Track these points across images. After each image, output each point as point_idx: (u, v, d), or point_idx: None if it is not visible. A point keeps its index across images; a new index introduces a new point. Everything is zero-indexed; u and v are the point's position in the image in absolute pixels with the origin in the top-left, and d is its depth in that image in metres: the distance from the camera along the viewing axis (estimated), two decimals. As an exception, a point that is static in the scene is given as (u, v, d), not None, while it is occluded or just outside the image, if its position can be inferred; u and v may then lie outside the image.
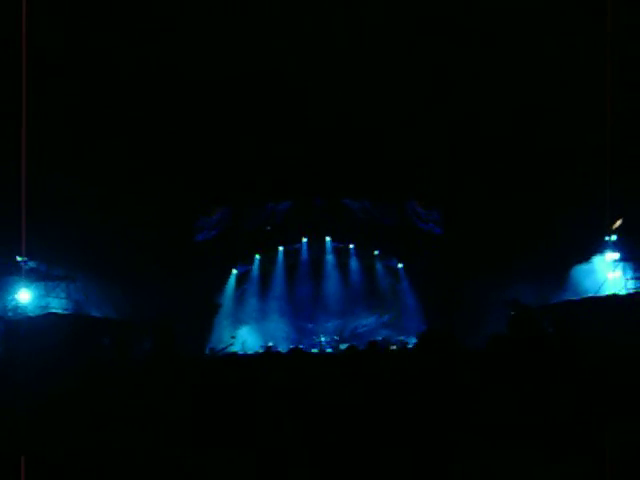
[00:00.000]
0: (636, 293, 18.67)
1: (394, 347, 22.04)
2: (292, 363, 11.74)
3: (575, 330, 15.93)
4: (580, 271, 20.64)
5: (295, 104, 20.72)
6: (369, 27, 18.63)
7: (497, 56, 19.03)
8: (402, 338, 23.52)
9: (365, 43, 19.06)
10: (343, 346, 22.58)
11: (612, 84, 15.88)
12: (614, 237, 20.10)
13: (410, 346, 22.52)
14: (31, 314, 18.48)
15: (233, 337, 22.67)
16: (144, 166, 21.74)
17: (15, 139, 14.20)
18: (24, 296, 19.14)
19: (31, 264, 19.60)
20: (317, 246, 26.32)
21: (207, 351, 21.84)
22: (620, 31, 15.50)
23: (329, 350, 23.20)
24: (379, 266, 26.25)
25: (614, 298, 18.02)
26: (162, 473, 7.04)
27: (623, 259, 19.99)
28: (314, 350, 23.05)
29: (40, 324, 16.72)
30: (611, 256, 20.16)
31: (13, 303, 18.96)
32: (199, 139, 21.90)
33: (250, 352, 21.41)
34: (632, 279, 19.65)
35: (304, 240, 26.24)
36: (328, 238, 26.15)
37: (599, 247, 20.35)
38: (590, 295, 19.37)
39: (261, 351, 21.38)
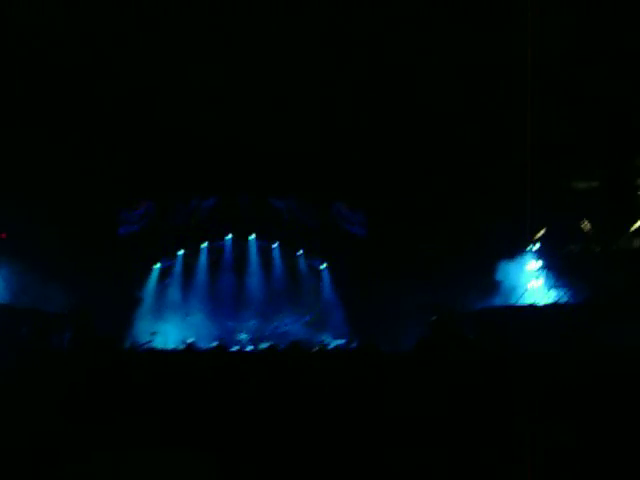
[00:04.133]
0: (553, 304, 19.08)
1: (316, 348, 22.08)
2: (213, 361, 11.69)
3: (494, 337, 16.24)
4: (504, 277, 20.94)
5: (222, 99, 20.64)
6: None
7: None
8: (323, 339, 23.57)
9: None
10: (264, 345, 22.56)
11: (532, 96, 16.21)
12: (537, 245, 20.49)
13: (331, 347, 22.61)
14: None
15: (153, 333, 22.42)
16: (68, 155, 21.38)
17: None
18: None
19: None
20: (241, 244, 26.18)
21: (127, 345, 21.57)
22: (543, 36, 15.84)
23: (250, 348, 23.11)
24: (302, 266, 26.27)
25: (533, 308, 18.41)
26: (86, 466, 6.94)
27: (545, 267, 20.38)
28: (234, 348, 22.92)
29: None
30: (533, 265, 20.54)
31: None
32: (126, 130, 21.64)
33: (170, 348, 21.24)
34: (553, 288, 20.05)
35: (228, 237, 26.08)
36: (252, 236, 26.04)
37: (523, 255, 20.71)
38: (511, 304, 19.71)
39: (181, 347, 21.22)
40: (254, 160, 23.04)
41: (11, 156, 19.97)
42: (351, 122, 21.39)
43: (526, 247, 20.83)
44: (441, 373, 9.35)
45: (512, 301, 20.20)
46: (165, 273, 26.01)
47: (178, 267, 26.07)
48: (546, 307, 18.86)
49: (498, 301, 20.30)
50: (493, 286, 20.92)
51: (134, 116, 21.20)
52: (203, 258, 26.19)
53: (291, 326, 25.20)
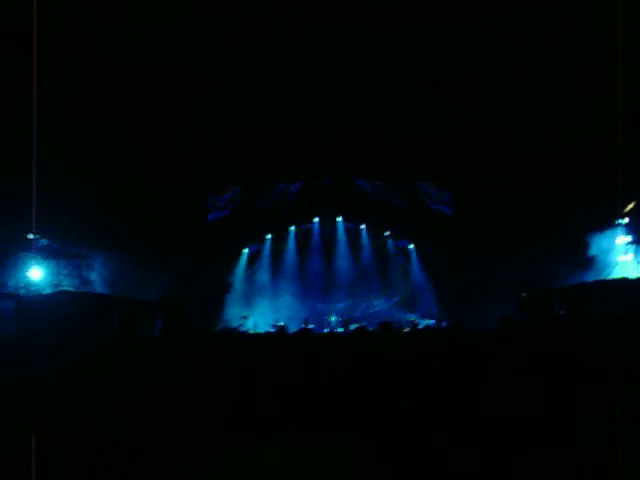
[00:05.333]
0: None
1: (407, 329, 22.00)
2: (303, 344, 11.75)
3: (585, 313, 15.91)
4: (594, 251, 20.53)
5: (306, 84, 20.66)
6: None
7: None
8: (413, 319, 23.48)
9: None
10: (354, 326, 22.58)
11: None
12: (626, 220, 20.00)
13: (421, 327, 22.50)
14: (43, 292, 18.53)
15: (244, 317, 22.65)
16: (157, 145, 21.75)
17: (27, 116, 14.19)
18: (36, 274, 19.19)
19: (43, 242, 19.65)
20: (329, 226, 26.28)
21: (219, 330, 21.85)
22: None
23: (340, 330, 23.18)
24: (390, 247, 26.23)
25: (625, 282, 17.94)
26: (175, 449, 7.06)
27: (635, 242, 19.89)
28: (325, 330, 23.04)
29: (52, 302, 16.73)
30: (623, 239, 20.06)
31: (25, 281, 19.01)
32: (211, 118, 21.86)
33: (261, 331, 21.42)
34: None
35: (315, 220, 26.21)
36: (340, 218, 26.10)
37: (612, 229, 20.26)
38: (601, 278, 19.29)
39: (272, 330, 21.38)
40: (339, 142, 23.03)
41: (104, 148, 20.40)
42: (433, 101, 21.19)
43: (615, 221, 20.33)
44: (529, 351, 9.24)
45: (602, 276, 19.78)
46: (254, 257, 26.28)
47: (267, 251, 26.33)
48: (637, 281, 18.38)
49: (588, 276, 19.90)
50: (582, 261, 20.52)
51: (219, 103, 21.39)
52: (291, 241, 26.40)
53: (380, 307, 25.18)
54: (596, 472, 6.40)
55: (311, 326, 22.68)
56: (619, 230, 20.26)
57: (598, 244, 20.46)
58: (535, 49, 18.99)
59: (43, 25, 13.41)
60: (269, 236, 26.31)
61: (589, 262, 20.49)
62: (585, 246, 20.54)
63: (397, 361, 9.40)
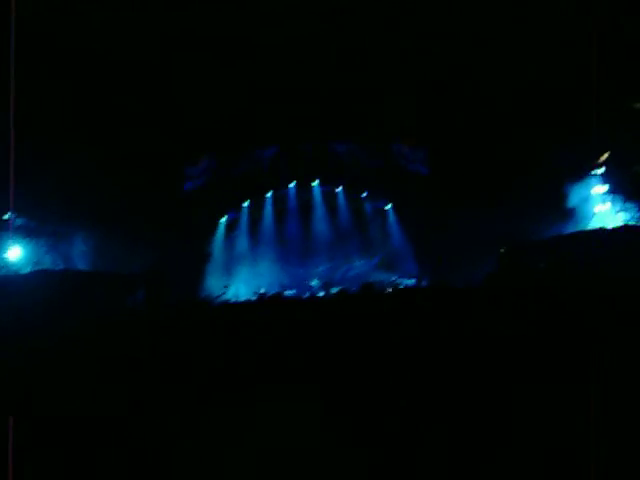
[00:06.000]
0: (623, 227, 18.72)
1: (389, 290, 22.06)
2: (287, 309, 11.78)
3: (564, 265, 16.01)
4: (571, 202, 20.64)
5: (273, 50, 20.54)
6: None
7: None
8: (394, 279, 23.55)
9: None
10: (335, 289, 22.65)
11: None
12: (602, 170, 20.11)
13: (402, 287, 22.58)
14: (22, 271, 18.47)
15: (225, 286, 22.65)
16: (128, 118, 21.58)
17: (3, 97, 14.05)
18: (14, 253, 19.12)
19: (19, 221, 19.55)
20: (305, 190, 26.25)
21: (200, 300, 21.85)
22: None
23: (322, 293, 23.21)
24: (368, 208, 26.22)
25: (602, 232, 18.07)
26: (163, 425, 7.07)
27: (612, 191, 20.02)
28: (306, 294, 23.06)
29: (31, 281, 16.69)
30: (599, 189, 20.18)
31: (4, 261, 18.94)
32: (183, 85, 21.71)
33: (242, 299, 21.45)
34: (622, 211, 19.69)
35: (292, 185, 26.14)
36: (316, 182, 26.05)
37: (588, 179, 20.37)
38: (579, 229, 19.42)
39: (254, 298, 21.40)
40: (312, 105, 22.92)
41: (78, 122, 20.25)
42: (403, 60, 21.13)
43: (591, 171, 20.45)
44: (511, 307, 9.29)
45: (581, 227, 19.92)
46: (232, 225, 26.22)
47: (244, 218, 26.27)
48: (616, 230, 18.51)
49: (568, 228, 20.02)
50: (562, 213, 20.63)
51: (188, 71, 21.23)
52: (268, 208, 26.34)
53: (361, 269, 25.24)
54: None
55: (291, 291, 22.74)
56: (595, 180, 20.39)
57: (576, 195, 20.58)
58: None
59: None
60: (246, 203, 26.20)
61: (568, 213, 20.61)
62: (564, 197, 20.64)
63: (378, 320, 9.43)
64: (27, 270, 18.74)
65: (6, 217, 18.97)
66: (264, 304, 14.20)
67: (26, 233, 19.77)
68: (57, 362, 8.41)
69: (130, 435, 6.99)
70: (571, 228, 19.94)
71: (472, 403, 7.11)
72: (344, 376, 7.82)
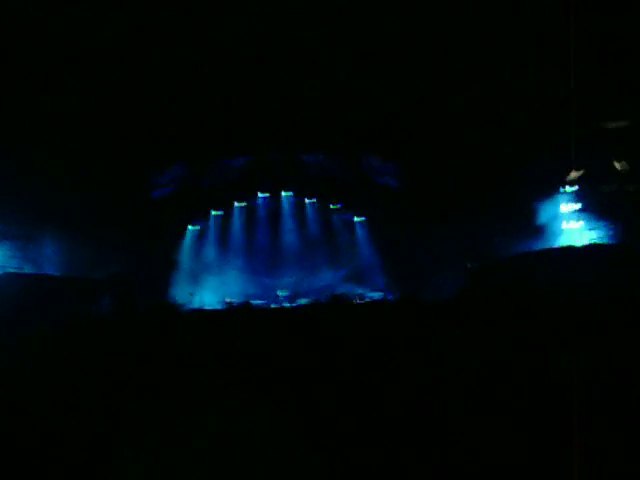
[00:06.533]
0: (592, 245, 18.90)
1: (356, 301, 22.11)
2: (254, 318, 11.79)
3: (530, 282, 16.13)
4: (539, 219, 20.80)
5: (246, 59, 20.57)
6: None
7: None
8: (360, 292, 23.62)
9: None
10: (302, 301, 22.69)
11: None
12: (572, 188, 20.29)
13: (368, 299, 22.67)
14: (-15, 274, 18.28)
15: (191, 294, 22.63)
16: (98, 123, 21.48)
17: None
18: (-22, 256, 18.94)
19: (-17, 224, 19.37)
20: (274, 201, 26.28)
21: (166, 308, 21.79)
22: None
23: (287, 305, 23.23)
24: (336, 220, 26.27)
25: (571, 250, 18.23)
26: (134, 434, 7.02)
27: (584, 209, 20.21)
28: (273, 305, 23.07)
29: (-2, 285, 16.54)
30: (569, 207, 20.36)
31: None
32: (152, 93, 21.64)
33: (208, 308, 21.42)
34: (592, 229, 19.88)
35: (260, 195, 26.14)
36: (285, 193, 26.08)
37: (557, 197, 20.55)
38: (547, 247, 19.58)
39: (219, 307, 21.38)
40: (282, 116, 22.96)
41: (47, 125, 20.13)
42: (374, 71, 21.23)
43: (560, 188, 20.62)
44: (479, 322, 9.37)
45: (549, 244, 20.09)
46: (200, 234, 26.15)
47: (212, 227, 26.23)
48: (584, 248, 18.67)
49: (536, 245, 20.16)
50: (531, 230, 20.78)
51: (158, 80, 21.18)
52: (237, 217, 26.30)
53: (328, 281, 25.26)
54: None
55: (258, 301, 22.75)
56: (563, 197, 20.56)
57: (546, 212, 20.73)
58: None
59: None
60: (215, 212, 26.16)
61: (537, 230, 20.76)
62: (533, 214, 20.79)
63: (344, 331, 9.47)
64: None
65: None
66: (231, 313, 14.21)
67: (-9, 236, 19.61)
68: (17, 367, 8.34)
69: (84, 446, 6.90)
70: (540, 245, 20.08)
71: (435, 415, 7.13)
72: (310, 385, 7.83)
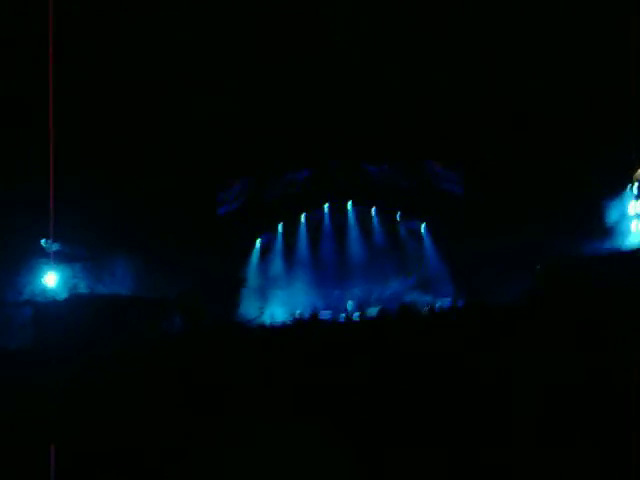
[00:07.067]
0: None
1: (425, 309, 21.91)
2: (324, 331, 11.76)
3: (601, 283, 15.79)
4: (612, 219, 20.38)
5: (309, 72, 20.62)
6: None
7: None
8: (429, 300, 23.41)
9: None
10: (371, 310, 22.56)
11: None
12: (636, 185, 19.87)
13: (437, 307, 22.44)
14: (58, 297, 18.62)
15: (261, 309, 22.65)
16: (163, 143, 21.76)
17: (41, 125, 14.23)
18: (51, 279, 19.31)
19: (55, 246, 19.71)
20: (339, 212, 26.28)
21: (236, 324, 21.88)
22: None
23: (356, 315, 23.13)
24: (402, 229, 26.15)
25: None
26: (204, 451, 7.07)
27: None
28: (342, 316, 23.01)
29: (67, 306, 16.82)
30: (635, 207, 19.92)
31: (41, 287, 19.11)
32: (214, 113, 21.84)
33: (277, 322, 21.44)
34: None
35: (325, 206, 26.18)
36: (349, 203, 26.06)
37: (624, 196, 20.12)
38: (617, 248, 19.18)
39: (289, 321, 21.39)
40: (344, 126, 22.96)
41: (113, 149, 20.47)
42: (438, 82, 21.12)
43: (626, 188, 20.20)
44: (550, 324, 9.19)
45: (619, 244, 19.67)
46: (267, 249, 26.27)
47: (279, 241, 26.33)
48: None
49: (606, 245, 19.76)
50: (600, 230, 20.38)
51: (220, 97, 21.37)
52: (302, 229, 26.37)
53: (396, 289, 25.11)
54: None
55: (327, 313, 22.71)
56: (630, 196, 20.14)
57: (614, 211, 20.33)
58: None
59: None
60: (280, 226, 26.28)
61: (606, 231, 20.35)
62: (601, 214, 20.40)
63: (416, 341, 9.38)
64: (63, 296, 18.90)
65: (43, 243, 19.15)
66: (300, 326, 14.19)
67: (62, 259, 19.94)
68: (93, 388, 8.46)
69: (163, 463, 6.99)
70: (608, 245, 19.69)
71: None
72: (383, 398, 7.78)
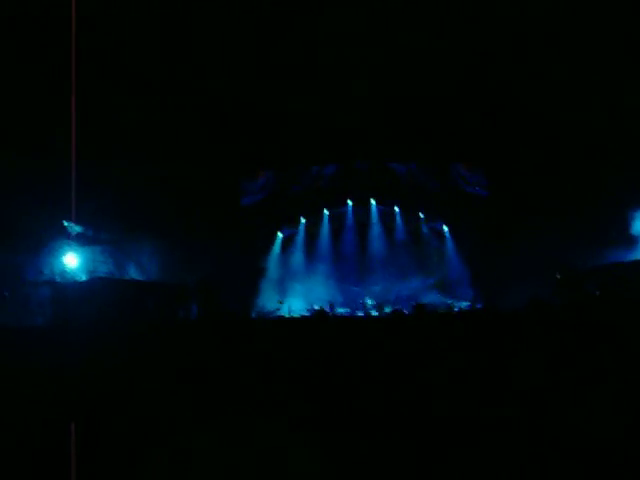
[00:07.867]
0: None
1: (442, 311, 21.86)
2: (341, 326, 11.76)
3: (622, 293, 15.70)
4: (631, 229, 20.26)
5: (339, 68, 20.59)
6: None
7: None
8: (448, 301, 23.37)
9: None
10: (389, 309, 22.55)
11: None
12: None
13: (456, 309, 22.40)
14: (78, 279, 18.74)
15: (281, 302, 22.67)
16: (189, 130, 21.81)
17: (64, 107, 14.31)
18: (71, 261, 19.42)
19: (77, 229, 19.83)
20: (362, 209, 26.27)
21: (254, 315, 21.95)
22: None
23: (374, 313, 23.13)
24: (424, 229, 26.10)
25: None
26: (211, 435, 7.09)
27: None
28: (359, 313, 23.03)
29: (87, 289, 16.93)
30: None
31: (61, 268, 19.24)
32: (243, 103, 21.87)
33: (296, 316, 21.46)
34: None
35: (349, 203, 26.17)
36: (373, 201, 26.05)
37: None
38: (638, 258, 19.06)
39: (307, 314, 21.39)
40: (372, 125, 22.93)
41: (138, 134, 20.53)
42: (466, 85, 21.05)
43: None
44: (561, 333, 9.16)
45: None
46: (288, 241, 26.32)
47: (301, 235, 26.37)
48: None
49: (629, 256, 19.65)
50: (624, 240, 20.27)
51: (253, 90, 21.39)
52: (325, 225, 26.37)
53: (415, 289, 25.07)
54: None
55: (344, 309, 22.74)
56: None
57: (633, 221, 20.21)
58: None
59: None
60: (303, 220, 26.32)
61: (630, 240, 20.23)
62: (626, 224, 20.28)
63: (430, 341, 9.37)
64: (83, 278, 19.02)
65: (65, 224, 19.27)
66: (317, 320, 14.21)
67: (83, 241, 20.06)
68: (111, 370, 8.52)
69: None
70: (633, 256, 19.56)
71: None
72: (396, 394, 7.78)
